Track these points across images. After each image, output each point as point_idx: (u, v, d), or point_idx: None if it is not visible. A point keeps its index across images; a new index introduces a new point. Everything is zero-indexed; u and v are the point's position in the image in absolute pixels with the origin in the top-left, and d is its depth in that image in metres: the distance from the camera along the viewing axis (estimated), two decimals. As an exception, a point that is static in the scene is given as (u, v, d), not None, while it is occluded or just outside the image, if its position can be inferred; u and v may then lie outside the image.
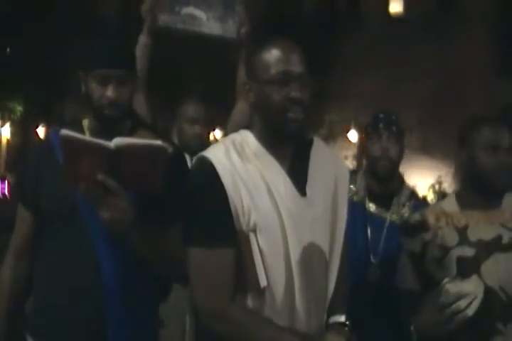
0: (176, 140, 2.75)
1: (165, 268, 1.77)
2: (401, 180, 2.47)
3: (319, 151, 1.70)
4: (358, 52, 15.81)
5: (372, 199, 2.36)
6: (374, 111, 2.48)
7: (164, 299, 2.00)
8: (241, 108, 2.55)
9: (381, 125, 2.36)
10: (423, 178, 14.37)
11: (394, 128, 2.36)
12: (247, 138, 1.61)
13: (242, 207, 1.52)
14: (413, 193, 2.48)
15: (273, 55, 1.54)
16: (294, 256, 1.55)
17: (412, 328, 1.82)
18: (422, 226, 1.93)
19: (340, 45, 15.54)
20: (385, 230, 2.34)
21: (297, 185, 1.60)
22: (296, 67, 1.54)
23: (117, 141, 1.58)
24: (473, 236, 1.84)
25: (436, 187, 15.72)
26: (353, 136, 16.83)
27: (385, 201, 2.38)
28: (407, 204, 2.40)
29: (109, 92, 1.72)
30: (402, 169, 2.51)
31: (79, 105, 1.99)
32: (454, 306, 1.67)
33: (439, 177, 15.57)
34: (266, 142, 1.60)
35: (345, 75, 15.42)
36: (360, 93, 15.54)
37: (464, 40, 17.23)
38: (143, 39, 2.52)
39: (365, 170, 2.42)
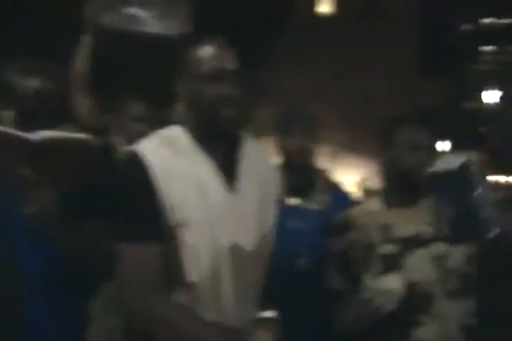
0: (120, 139, 2.72)
1: (92, 263, 1.73)
2: (317, 171, 2.55)
3: (250, 149, 1.71)
4: (289, 50, 15.96)
5: (291, 192, 2.41)
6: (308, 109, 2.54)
7: (93, 296, 1.96)
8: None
9: (294, 121, 2.43)
10: (349, 175, 14.65)
11: (307, 123, 2.43)
12: (178, 133, 1.61)
13: (172, 201, 1.51)
14: (330, 182, 2.59)
15: (206, 51, 1.56)
16: (223, 252, 1.56)
17: (338, 326, 1.88)
18: (347, 226, 1.99)
19: (273, 43, 15.63)
20: (307, 219, 2.41)
21: (227, 180, 1.60)
22: (229, 64, 1.56)
23: (38, 134, 1.55)
24: (395, 233, 1.91)
25: (362, 184, 16.06)
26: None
27: (303, 192, 2.45)
28: (326, 191, 2.48)
29: (34, 83, 1.67)
30: (328, 166, 2.61)
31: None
32: (375, 302, 1.73)
33: (365, 174, 15.91)
34: (197, 137, 1.60)
35: (276, 73, 15.53)
36: (291, 90, 15.68)
37: (389, 41, 17.69)
38: (85, 40, 2.48)
39: (281, 164, 2.48)
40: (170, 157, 1.55)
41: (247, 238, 1.61)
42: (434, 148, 2.05)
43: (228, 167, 1.63)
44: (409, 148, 1.93)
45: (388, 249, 1.89)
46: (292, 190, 2.41)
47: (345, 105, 15.72)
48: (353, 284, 1.91)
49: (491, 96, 29.98)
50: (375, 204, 2.04)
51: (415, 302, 1.81)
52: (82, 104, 2.36)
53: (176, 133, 1.61)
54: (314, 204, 2.46)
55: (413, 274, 1.85)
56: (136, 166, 1.51)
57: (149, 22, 2.49)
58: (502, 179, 15.96)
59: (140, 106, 2.81)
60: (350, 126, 15.34)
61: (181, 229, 1.52)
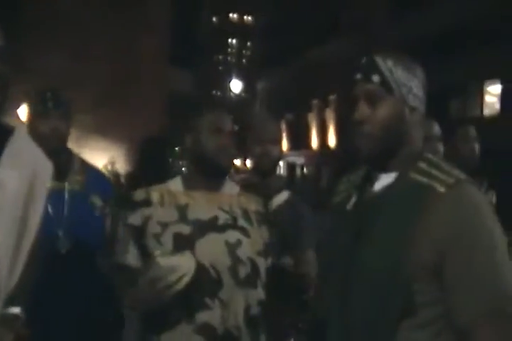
0: None
1: None
2: (70, 153, 2.51)
3: (19, 142, 1.66)
4: (38, 28, 15.05)
5: None
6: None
7: None
8: None
9: (50, 104, 2.35)
10: (97, 159, 14.40)
11: (63, 106, 2.42)
12: None
13: None
14: (84, 162, 2.57)
15: None
16: None
17: (126, 302, 1.85)
18: (145, 201, 1.95)
19: (22, 17, 14.60)
20: (66, 201, 2.37)
21: None
22: None
23: None
24: (191, 215, 1.92)
25: (109, 167, 15.91)
26: (23, 112, 16.04)
27: (58, 175, 2.38)
28: (82, 171, 2.46)
29: None
30: (76, 149, 2.57)
31: None
32: (164, 280, 1.72)
33: (112, 157, 15.79)
34: None
35: (28, 51, 14.53)
36: (43, 70, 14.84)
37: (142, 27, 17.70)
38: None
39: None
40: None
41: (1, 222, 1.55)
42: (235, 133, 2.08)
43: None
44: (211, 132, 1.96)
45: (182, 228, 1.89)
46: None
47: (94, 88, 15.36)
48: (146, 260, 1.86)
49: (235, 87, 31.65)
50: (176, 185, 2.03)
51: (204, 284, 1.82)
52: None
53: None
54: (71, 186, 2.41)
55: (204, 257, 1.84)
56: None
57: None
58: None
59: None
60: (96, 109, 15.06)
61: None
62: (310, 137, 32.33)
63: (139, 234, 1.93)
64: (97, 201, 2.44)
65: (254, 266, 1.93)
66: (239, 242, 1.92)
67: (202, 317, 1.83)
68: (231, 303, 1.86)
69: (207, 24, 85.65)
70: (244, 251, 1.91)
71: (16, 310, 1.60)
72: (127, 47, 17.48)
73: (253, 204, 2.05)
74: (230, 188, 2.07)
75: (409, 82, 1.49)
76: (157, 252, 1.81)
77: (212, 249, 1.88)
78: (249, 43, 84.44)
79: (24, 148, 1.68)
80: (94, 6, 17.22)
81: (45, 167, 1.73)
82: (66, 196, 2.38)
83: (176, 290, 1.74)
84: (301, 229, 2.41)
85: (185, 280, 1.75)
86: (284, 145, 29.80)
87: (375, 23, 24.12)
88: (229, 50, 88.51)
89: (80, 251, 2.33)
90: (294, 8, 34.32)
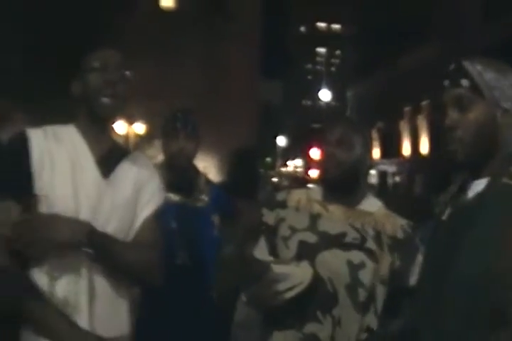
0: None
1: None
2: (196, 171, 2.62)
3: (136, 159, 1.81)
4: (126, 43, 15.67)
5: (173, 190, 2.45)
6: (146, 104, 2.57)
7: None
8: None
9: (179, 124, 2.47)
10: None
11: (190, 127, 2.53)
12: (68, 127, 1.74)
13: (42, 176, 1.61)
14: (209, 180, 2.70)
15: (96, 52, 1.74)
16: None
17: (244, 298, 1.89)
18: (283, 203, 1.99)
19: (109, 35, 15.26)
20: (189, 216, 2.49)
21: (103, 171, 1.70)
22: (114, 58, 1.73)
23: None
24: (321, 226, 1.90)
25: (212, 181, 16.22)
26: (119, 127, 16.71)
27: (184, 190, 2.50)
28: (206, 189, 2.59)
29: None
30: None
31: None
32: (276, 286, 1.75)
33: (204, 168, 16.13)
34: (84, 131, 1.73)
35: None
36: (135, 86, 15.42)
37: (231, 38, 18.04)
38: None
39: (163, 164, 2.51)
40: (54, 141, 1.68)
41: (115, 226, 1.67)
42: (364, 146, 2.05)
43: (108, 162, 1.72)
44: (336, 145, 1.95)
45: (308, 237, 1.88)
46: (173, 188, 2.44)
47: (184, 100, 15.77)
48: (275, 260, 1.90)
49: (324, 95, 31.64)
50: (316, 193, 2.02)
51: (318, 297, 1.81)
52: None
53: (66, 127, 1.74)
54: (195, 202, 2.53)
55: (323, 270, 1.83)
56: (20, 137, 1.66)
57: None
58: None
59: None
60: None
61: (43, 203, 1.59)
62: (402, 145, 31.67)
63: (271, 232, 1.96)
64: (216, 220, 2.53)
65: (373, 293, 1.88)
66: (362, 264, 1.87)
67: (311, 328, 1.83)
68: (345, 323, 1.83)
69: (295, 34, 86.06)
70: (367, 275, 1.86)
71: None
72: (216, 60, 17.86)
73: (390, 228, 1.97)
74: (369, 205, 2.00)
75: (501, 84, 1.44)
76: (272, 259, 1.84)
77: (333, 264, 1.85)
78: (338, 51, 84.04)
79: (139, 163, 1.80)
80: (182, 20, 17.73)
81: (155, 180, 1.84)
82: (190, 212, 2.48)
83: (284, 298, 1.76)
84: None
85: (297, 290, 1.75)
86: (375, 153, 29.32)
87: (467, 29, 23.41)
88: (318, 58, 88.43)
89: (196, 264, 2.44)
90: (383, 15, 33.88)
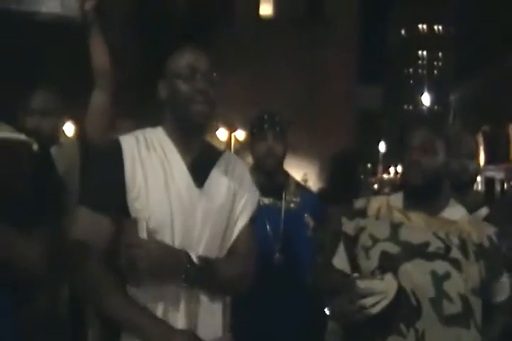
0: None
1: (24, 271, 1.68)
2: (286, 174, 2.64)
3: (229, 162, 1.78)
4: (226, 51, 15.98)
5: (264, 193, 2.48)
6: (246, 110, 2.61)
7: (28, 304, 1.90)
8: (98, 98, 2.37)
9: (266, 125, 2.50)
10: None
11: (278, 128, 2.53)
12: (157, 131, 1.72)
13: (135, 185, 1.59)
14: (298, 183, 2.70)
15: (184, 54, 1.72)
16: (179, 246, 1.59)
17: (327, 311, 1.87)
18: (362, 212, 1.96)
19: (210, 44, 15.63)
20: (282, 218, 2.50)
21: (196, 177, 1.67)
22: (203, 65, 1.70)
23: None
24: (403, 235, 1.85)
25: (302, 184, 16.25)
26: (221, 134, 17.08)
27: (275, 193, 2.51)
28: (297, 192, 2.59)
29: None
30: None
31: None
32: (361, 302, 1.71)
33: (305, 175, 16.14)
34: (173, 136, 1.70)
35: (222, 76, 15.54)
36: (228, 93, 15.73)
37: (329, 44, 17.99)
38: None
39: (253, 167, 2.53)
40: (146, 149, 1.66)
41: (209, 234, 1.65)
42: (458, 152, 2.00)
43: (200, 168, 1.70)
44: (424, 151, 1.88)
45: (390, 247, 1.83)
46: (264, 191, 2.48)
47: (283, 107, 15.86)
48: (355, 270, 1.87)
49: (427, 99, 30.91)
50: (397, 200, 1.97)
51: (401, 310, 1.75)
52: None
53: (156, 131, 1.73)
54: (287, 204, 2.55)
55: (406, 282, 1.77)
56: (113, 146, 1.64)
57: (46, 0, 2.21)
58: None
59: (45, 99, 2.47)
60: (291, 128, 15.48)
61: (141, 215, 1.57)
62: (510, 149, 30.24)
63: (351, 243, 1.93)
64: (309, 221, 2.53)
65: (467, 305, 1.78)
66: (447, 275, 1.79)
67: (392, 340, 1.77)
68: (429, 337, 1.75)
69: (395, 37, 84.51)
70: (453, 286, 1.78)
71: (225, 336, 1.68)
72: (314, 66, 17.84)
73: (475, 236, 1.88)
74: (454, 212, 1.93)
75: None
76: (356, 274, 1.79)
77: (416, 275, 1.78)
78: (440, 54, 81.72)
79: (233, 167, 1.78)
80: (280, 27, 17.87)
81: (252, 191, 1.82)
82: (283, 214, 2.50)
83: (370, 313, 1.71)
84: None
85: (383, 304, 1.71)
86: (482, 159, 28.22)
87: None
88: (419, 62, 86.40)
89: (292, 265, 2.45)
90: (485, 14, 32.60)
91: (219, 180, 1.72)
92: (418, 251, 1.81)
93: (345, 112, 18.21)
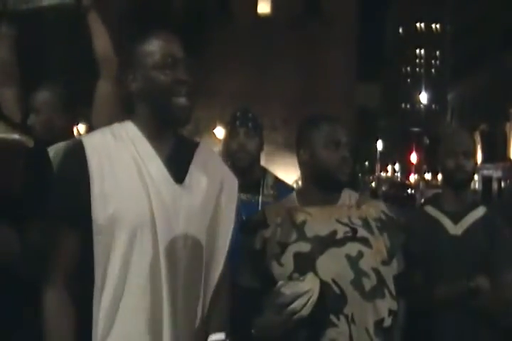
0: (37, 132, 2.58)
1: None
2: (263, 169, 2.63)
3: (205, 154, 1.68)
4: (224, 50, 15.99)
5: (240, 189, 2.47)
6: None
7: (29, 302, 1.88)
8: (104, 88, 2.35)
9: (237, 122, 2.51)
10: (287, 174, 14.83)
11: (250, 124, 2.53)
12: (127, 126, 1.59)
13: (103, 191, 1.48)
14: (276, 178, 2.68)
15: (157, 42, 1.57)
16: (163, 247, 1.49)
17: (253, 331, 1.85)
18: (263, 223, 1.94)
19: (208, 42, 15.65)
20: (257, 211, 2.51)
21: (174, 173, 1.56)
22: (179, 52, 1.57)
23: None
24: (309, 232, 1.87)
25: (300, 183, 16.26)
26: (219, 132, 17.09)
27: (252, 189, 2.50)
28: (274, 186, 2.58)
29: None
30: (267, 165, 2.68)
31: None
32: (290, 308, 1.70)
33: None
34: (146, 130, 1.58)
35: (211, 73, 15.55)
36: (226, 91, 15.75)
37: (327, 43, 18.00)
38: (3, 29, 2.34)
39: (228, 165, 2.52)
40: (114, 143, 1.54)
41: (195, 233, 1.55)
42: (351, 146, 2.02)
43: (177, 162, 1.58)
44: (329, 145, 1.90)
45: (301, 247, 1.84)
46: (239, 187, 2.48)
47: (281, 105, 15.90)
48: (267, 283, 1.87)
49: (424, 98, 31.01)
50: (291, 202, 1.98)
51: (327, 301, 1.76)
52: (8, 96, 2.24)
53: (126, 126, 1.59)
54: (266, 197, 2.53)
55: (326, 274, 1.79)
56: (77, 157, 1.50)
57: None
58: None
59: (50, 96, 2.53)
60: (287, 126, 15.53)
61: (114, 223, 1.47)
62: (508, 148, 30.30)
63: (259, 256, 1.89)
64: None
65: (380, 276, 1.83)
66: (360, 254, 1.83)
67: (329, 335, 1.77)
68: (358, 318, 1.78)
69: (393, 35, 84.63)
70: (367, 263, 1.82)
71: (220, 336, 1.64)
72: (313, 65, 17.84)
73: (373, 211, 1.94)
74: (348, 198, 1.96)
75: None
76: (280, 282, 1.76)
77: (333, 264, 1.81)
78: (437, 52, 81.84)
79: (210, 159, 1.68)
80: (279, 26, 17.88)
81: (232, 181, 1.74)
82: (260, 208, 2.50)
83: (301, 315, 1.71)
84: (500, 247, 2.25)
85: (310, 304, 1.71)
86: (479, 157, 28.26)
87: None
88: (417, 60, 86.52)
89: None
90: (482, 12, 32.65)
91: (199, 175, 1.61)
92: (328, 242, 1.84)
93: (343, 110, 18.22)
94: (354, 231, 1.87)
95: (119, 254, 1.47)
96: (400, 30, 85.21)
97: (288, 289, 1.74)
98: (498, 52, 29.31)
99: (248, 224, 1.98)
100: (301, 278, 1.76)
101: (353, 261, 1.82)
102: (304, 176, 2.02)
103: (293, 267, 1.82)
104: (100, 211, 1.47)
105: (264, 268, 1.88)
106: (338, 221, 1.89)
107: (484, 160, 30.60)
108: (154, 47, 1.56)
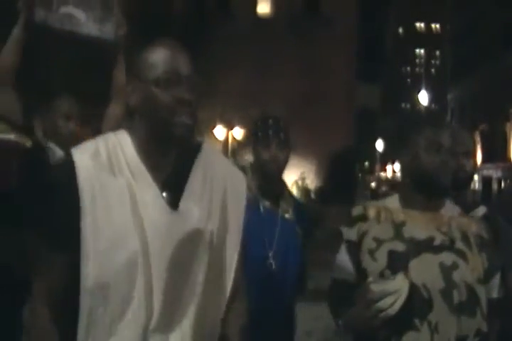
0: (45, 136, 2.66)
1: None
2: (283, 182, 2.66)
3: (207, 158, 1.57)
4: (224, 50, 15.98)
5: (265, 197, 2.48)
6: (244, 109, 2.60)
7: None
8: (113, 110, 2.65)
9: (271, 132, 2.46)
10: (287, 174, 14.82)
11: (282, 134, 2.49)
12: (124, 143, 1.47)
13: (94, 221, 1.38)
14: (290, 193, 2.69)
15: (160, 54, 1.44)
16: (158, 278, 1.41)
17: (340, 322, 1.87)
18: (362, 217, 1.96)
19: (208, 43, 15.64)
20: (279, 224, 2.49)
21: (171, 197, 1.45)
22: (184, 68, 1.44)
23: None
24: (407, 233, 1.88)
25: (300, 183, 16.28)
26: (218, 132, 17.09)
27: (273, 199, 2.51)
28: (290, 201, 2.59)
29: None
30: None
31: None
32: (376, 305, 1.71)
33: (302, 173, 16.15)
34: (144, 149, 1.46)
35: (211, 73, 15.52)
36: (226, 91, 15.74)
37: (327, 43, 18.00)
38: (16, 33, 2.41)
39: (255, 171, 2.52)
40: (108, 167, 1.42)
41: (192, 260, 1.46)
42: (454, 150, 2.00)
43: (176, 182, 1.48)
44: (431, 149, 1.88)
45: (397, 246, 1.85)
46: (265, 195, 2.47)
47: (281, 105, 15.87)
48: (360, 277, 1.86)
49: (424, 98, 31.03)
50: (393, 203, 1.99)
51: (414, 305, 1.76)
52: (6, 98, 2.29)
53: (122, 142, 1.47)
54: (283, 212, 2.54)
55: (417, 277, 1.78)
56: (66, 174, 1.40)
57: (87, 24, 2.50)
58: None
59: (70, 104, 2.84)
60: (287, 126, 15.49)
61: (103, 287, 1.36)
62: (508, 148, 30.29)
63: (354, 248, 1.92)
64: (299, 231, 2.54)
65: (473, 293, 1.82)
66: (455, 265, 1.82)
67: (409, 338, 1.78)
68: (442, 328, 1.78)
69: (393, 35, 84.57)
70: (461, 276, 1.81)
71: None
72: (313, 65, 17.84)
73: (474, 227, 1.94)
74: (451, 209, 1.97)
75: None
76: (370, 278, 1.79)
77: (425, 269, 1.81)
78: (437, 52, 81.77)
79: (211, 165, 1.57)
80: (278, 26, 17.88)
81: (238, 181, 1.63)
82: (279, 221, 2.49)
83: (388, 314, 1.72)
84: (501, 247, 2.25)
85: (398, 304, 1.71)
86: (479, 157, 28.24)
87: None
88: (417, 60, 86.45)
89: (283, 272, 2.43)
90: (482, 12, 32.64)
91: (197, 195, 1.49)
92: (424, 246, 1.84)
93: (343, 111, 18.21)
94: (452, 241, 1.87)
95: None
96: (400, 30, 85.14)
97: (377, 286, 1.74)
98: (498, 52, 29.29)
99: (348, 217, 1.98)
100: (392, 277, 1.77)
101: (447, 271, 1.82)
102: (406, 179, 1.98)
103: (386, 264, 1.83)
104: (90, 250, 1.37)
105: (359, 262, 1.90)
106: (438, 229, 1.89)
107: (484, 160, 30.57)
108: (157, 59, 1.43)
